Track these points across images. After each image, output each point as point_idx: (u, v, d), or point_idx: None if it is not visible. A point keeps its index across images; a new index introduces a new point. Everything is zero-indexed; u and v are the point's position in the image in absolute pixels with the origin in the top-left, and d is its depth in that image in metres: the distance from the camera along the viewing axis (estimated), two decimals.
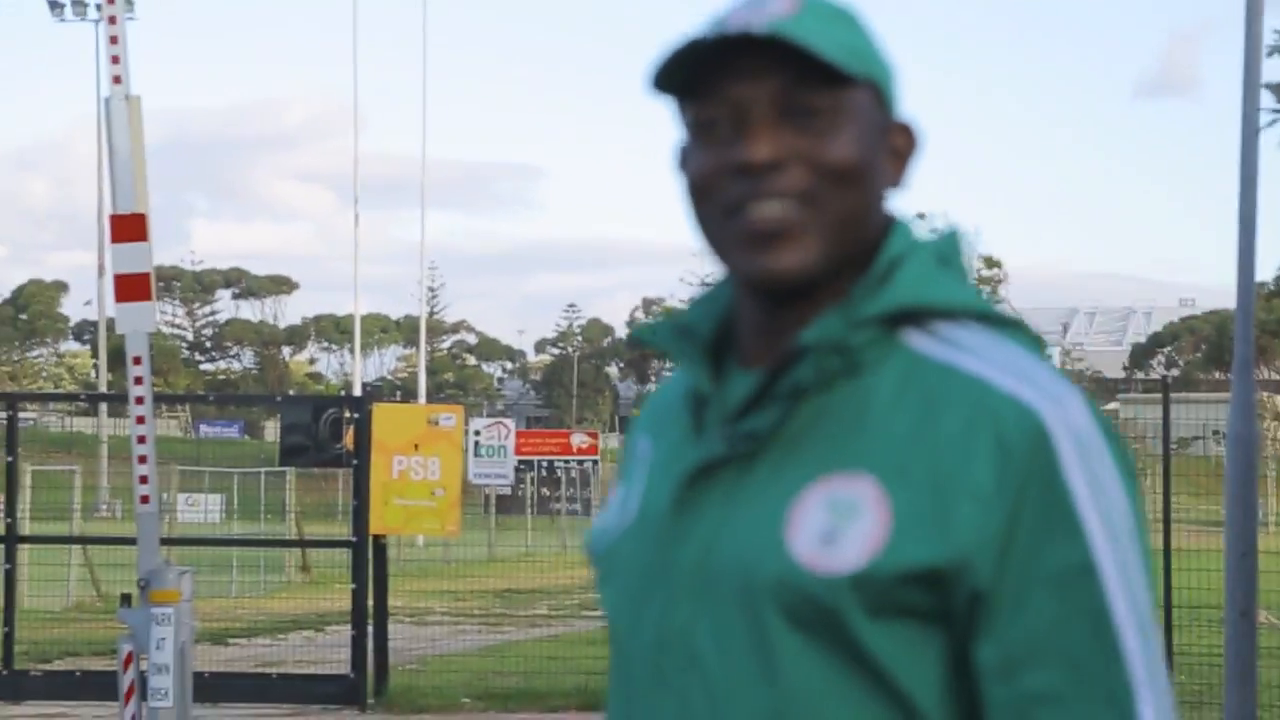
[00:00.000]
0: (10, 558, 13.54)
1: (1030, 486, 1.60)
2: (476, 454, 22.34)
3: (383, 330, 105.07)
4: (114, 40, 9.41)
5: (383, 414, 13.59)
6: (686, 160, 1.74)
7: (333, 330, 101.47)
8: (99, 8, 12.53)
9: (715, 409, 1.73)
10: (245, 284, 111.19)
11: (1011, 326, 1.73)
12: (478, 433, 22.57)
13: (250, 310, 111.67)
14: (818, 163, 1.67)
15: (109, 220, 9.27)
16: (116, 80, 9.35)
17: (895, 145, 1.75)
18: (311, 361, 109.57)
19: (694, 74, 1.69)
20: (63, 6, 38.52)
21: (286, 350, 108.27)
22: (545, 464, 34.11)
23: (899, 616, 1.60)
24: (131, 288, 8.71)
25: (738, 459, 1.68)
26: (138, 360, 8.47)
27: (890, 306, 1.69)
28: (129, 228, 9.06)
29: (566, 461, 33.39)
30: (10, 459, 13.62)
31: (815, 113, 1.67)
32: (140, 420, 8.36)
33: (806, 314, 1.70)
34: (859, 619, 1.60)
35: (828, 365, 1.67)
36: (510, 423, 24.07)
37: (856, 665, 1.61)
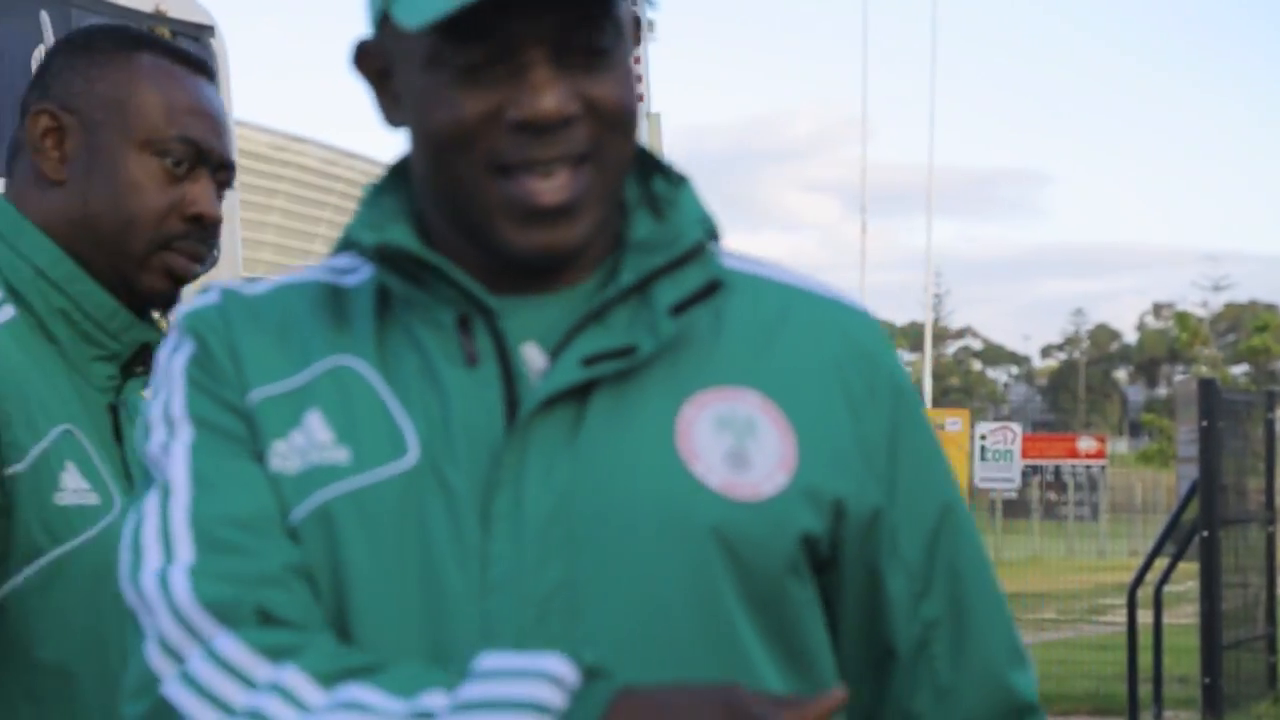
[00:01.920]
0: None
1: (887, 389, 1.50)
2: (982, 458, 22.38)
3: (889, 336, 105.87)
4: (637, 61, 9.99)
5: None
6: (427, 100, 1.43)
7: None
8: None
9: (508, 333, 1.44)
10: None
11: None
12: (983, 437, 22.58)
13: None
14: (603, 112, 1.42)
15: None
16: (639, 99, 9.96)
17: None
18: None
19: (456, 8, 1.38)
20: None
21: None
22: (1052, 469, 33.66)
23: (804, 548, 1.44)
24: None
25: (571, 391, 1.42)
26: None
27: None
28: None
29: (1074, 466, 32.86)
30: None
31: (599, 52, 1.42)
32: None
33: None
34: (781, 549, 1.42)
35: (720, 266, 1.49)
36: (1016, 427, 23.96)
37: (762, 607, 1.42)
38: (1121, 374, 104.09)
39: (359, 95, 1.81)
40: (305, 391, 1.46)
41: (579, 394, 1.42)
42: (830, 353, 1.48)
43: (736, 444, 1.42)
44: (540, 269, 1.46)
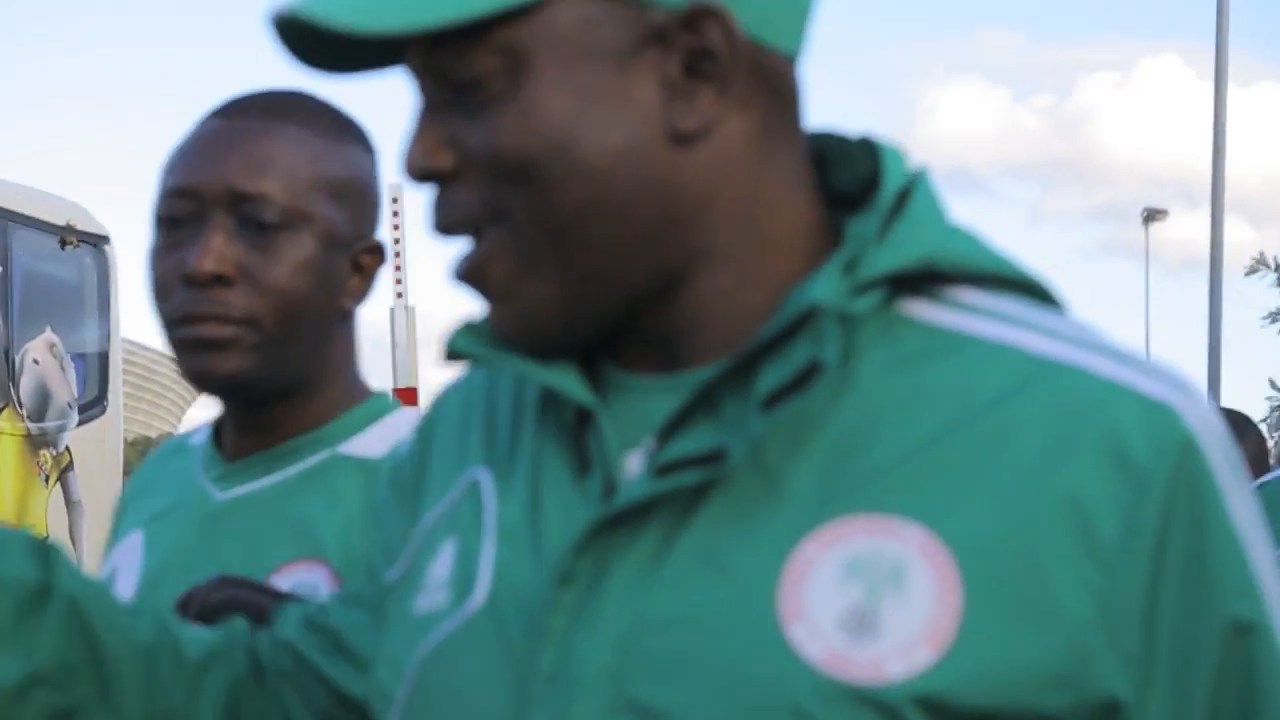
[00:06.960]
0: None
1: (1176, 528, 0.96)
2: None
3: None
4: None
5: None
6: None
7: None
8: None
9: (612, 433, 1.07)
10: None
11: (1050, 297, 1.07)
12: None
13: None
14: (480, 162, 1.09)
15: None
16: None
17: None
18: None
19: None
20: None
21: None
22: None
23: None
24: None
25: (669, 505, 1.02)
26: None
27: (911, 260, 1.03)
28: None
29: None
30: None
31: (468, 87, 1.07)
32: None
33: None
34: None
35: (838, 341, 1.00)
36: None
37: None
38: None
39: None
40: (449, 516, 1.14)
41: (683, 507, 1.01)
42: (1070, 466, 0.96)
43: (866, 600, 0.96)
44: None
